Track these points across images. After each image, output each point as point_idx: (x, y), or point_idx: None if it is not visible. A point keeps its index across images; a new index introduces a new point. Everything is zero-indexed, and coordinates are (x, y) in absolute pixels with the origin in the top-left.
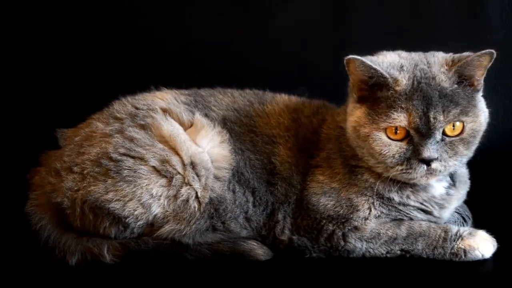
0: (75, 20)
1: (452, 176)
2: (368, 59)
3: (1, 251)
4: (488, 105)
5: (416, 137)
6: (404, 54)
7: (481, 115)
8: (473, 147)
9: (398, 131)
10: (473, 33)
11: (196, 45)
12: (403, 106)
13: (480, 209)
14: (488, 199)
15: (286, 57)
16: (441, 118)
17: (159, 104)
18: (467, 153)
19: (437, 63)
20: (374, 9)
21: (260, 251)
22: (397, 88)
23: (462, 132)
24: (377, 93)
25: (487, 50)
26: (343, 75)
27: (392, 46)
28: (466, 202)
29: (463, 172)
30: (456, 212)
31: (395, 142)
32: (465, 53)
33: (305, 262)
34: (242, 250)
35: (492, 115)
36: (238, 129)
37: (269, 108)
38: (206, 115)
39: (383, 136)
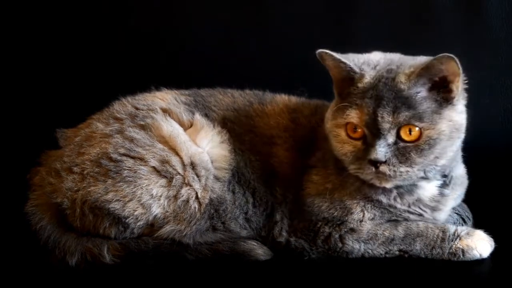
0: (75, 20)
1: (445, 176)
2: (339, 55)
3: (1, 251)
4: (488, 105)
5: (369, 137)
6: (391, 55)
7: (441, 123)
8: (431, 155)
9: (356, 130)
10: (473, 33)
11: (196, 45)
12: (357, 102)
13: (480, 209)
14: (488, 199)
15: (286, 57)
16: (389, 118)
17: (159, 105)
18: (421, 161)
19: (408, 65)
20: (374, 9)
21: (260, 251)
22: (359, 85)
23: (418, 138)
24: (346, 89)
25: (444, 54)
26: None
27: (392, 46)
28: (465, 202)
29: (460, 174)
30: (455, 212)
31: (352, 140)
32: (430, 58)
33: (305, 262)
34: (242, 250)
35: (492, 115)
36: (238, 129)
37: (269, 108)
38: (206, 115)
39: (342, 133)
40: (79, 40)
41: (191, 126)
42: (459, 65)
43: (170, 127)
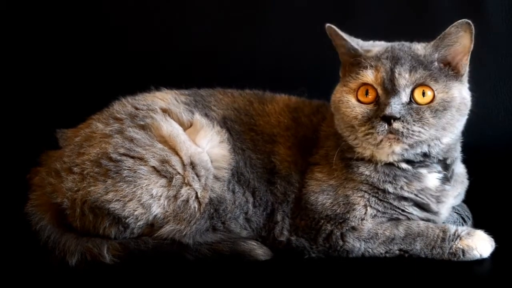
0: (75, 20)
1: (446, 168)
2: (345, 34)
3: (1, 251)
4: (489, 105)
5: (383, 96)
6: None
7: (454, 90)
8: (443, 120)
9: (368, 94)
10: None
11: (196, 45)
12: (372, 64)
13: (480, 209)
14: (488, 199)
15: (286, 58)
16: (406, 75)
17: (159, 105)
18: (434, 123)
19: (419, 44)
20: (374, 9)
21: (260, 251)
22: (368, 54)
23: (432, 101)
24: (351, 66)
25: (462, 20)
26: None
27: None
28: (465, 202)
29: (460, 172)
30: (455, 212)
31: (363, 104)
32: None
33: (305, 262)
34: (242, 250)
35: (492, 115)
36: (239, 128)
37: (269, 107)
38: (206, 115)
39: (352, 99)
40: (79, 40)
41: (191, 126)
42: (473, 37)
43: (169, 127)
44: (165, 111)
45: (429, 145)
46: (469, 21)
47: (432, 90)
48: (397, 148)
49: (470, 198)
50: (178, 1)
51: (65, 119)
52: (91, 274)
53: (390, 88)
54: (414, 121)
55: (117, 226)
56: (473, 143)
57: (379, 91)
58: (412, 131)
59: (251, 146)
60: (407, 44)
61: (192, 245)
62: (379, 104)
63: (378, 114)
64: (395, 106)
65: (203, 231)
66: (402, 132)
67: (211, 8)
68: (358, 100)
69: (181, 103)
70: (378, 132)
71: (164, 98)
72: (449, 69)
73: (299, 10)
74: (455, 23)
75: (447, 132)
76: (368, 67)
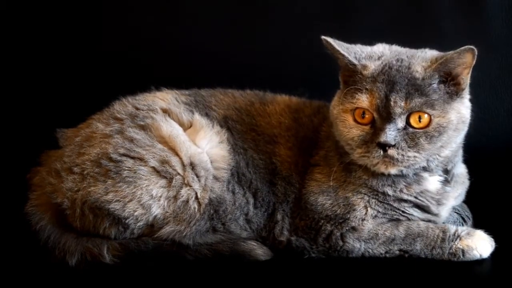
0: (75, 20)
1: (447, 172)
2: (342, 46)
3: (1, 251)
4: (489, 105)
5: (378, 121)
6: (396, 47)
7: (451, 113)
8: (439, 143)
9: (365, 115)
10: (473, 33)
11: (196, 46)
12: (367, 87)
13: (480, 209)
14: (488, 199)
15: (287, 58)
16: (402, 103)
17: (160, 105)
18: (430, 148)
19: (421, 57)
20: (374, 9)
21: (260, 251)
22: (364, 72)
23: (428, 125)
24: (351, 77)
25: (467, 47)
26: None
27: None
28: (465, 201)
29: (461, 173)
30: (455, 212)
31: (359, 125)
32: (450, 52)
33: (305, 262)
34: (242, 251)
35: (492, 115)
36: (240, 128)
37: (270, 108)
38: (206, 115)
39: (349, 118)
40: (79, 40)
41: (191, 126)
42: (475, 57)
43: (169, 128)
44: (165, 111)
45: (428, 160)
46: (473, 47)
47: (429, 114)
48: (393, 170)
49: (470, 198)
50: (179, 1)
51: (65, 119)
52: (91, 274)
53: (385, 116)
54: (409, 147)
55: (117, 226)
56: (473, 143)
57: (375, 115)
58: (408, 156)
59: (253, 147)
60: (406, 62)
61: (192, 245)
62: (375, 128)
63: (374, 140)
64: (390, 133)
65: (203, 232)
66: (397, 159)
67: (211, 8)
68: (355, 120)
69: (181, 103)
70: (374, 157)
71: (165, 98)
72: (450, 85)
73: (299, 10)
74: (459, 50)
75: (445, 149)
76: (363, 91)
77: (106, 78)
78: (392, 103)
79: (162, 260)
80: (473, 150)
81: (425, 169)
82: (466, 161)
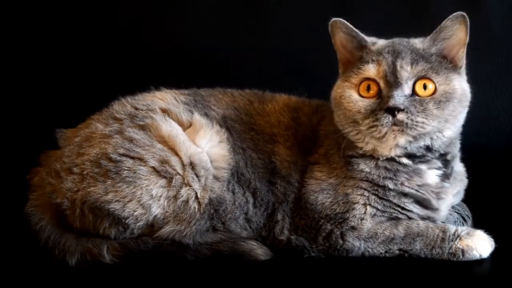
0: (75, 20)
1: (446, 166)
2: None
3: (1, 251)
4: (489, 105)
5: (385, 90)
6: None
7: (455, 82)
8: (446, 111)
9: (370, 89)
10: (473, 33)
11: (196, 45)
12: (374, 58)
13: (480, 209)
14: (488, 199)
15: (286, 58)
16: (408, 68)
17: (159, 105)
18: (438, 114)
19: (417, 38)
20: (375, 10)
21: (259, 251)
22: (372, 48)
23: (434, 93)
24: (352, 61)
25: (457, 12)
26: None
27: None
28: (465, 201)
29: (459, 170)
30: (456, 212)
31: (365, 99)
32: None
33: (305, 262)
34: (241, 250)
35: (492, 115)
36: (239, 127)
37: (269, 107)
38: (205, 115)
39: (354, 94)
40: (79, 40)
41: (190, 126)
42: (468, 30)
43: (169, 127)
44: (164, 111)
45: (431, 138)
46: (464, 13)
47: (434, 82)
48: (401, 140)
49: (470, 198)
50: (178, 1)
51: (64, 119)
52: (91, 274)
53: (392, 81)
54: (418, 112)
55: (117, 226)
56: (473, 143)
57: (381, 84)
58: (416, 122)
59: (252, 146)
60: (405, 39)
61: (192, 245)
62: (382, 98)
63: (382, 107)
64: (399, 98)
65: (203, 231)
66: (406, 123)
67: (211, 8)
68: (360, 95)
69: (180, 103)
70: (382, 124)
71: (164, 98)
72: (447, 62)
73: (299, 9)
74: (451, 16)
75: (450, 124)
76: (370, 62)
77: (106, 78)
78: (398, 67)
79: (162, 260)
80: (473, 150)
81: (428, 149)
82: (465, 160)
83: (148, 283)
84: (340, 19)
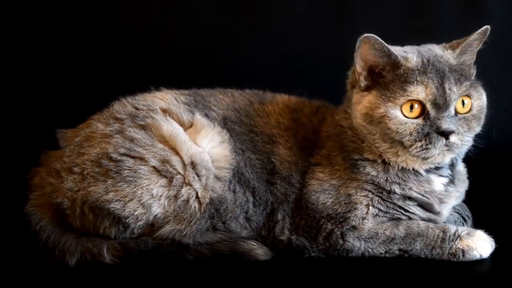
0: (75, 20)
1: (452, 171)
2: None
3: (1, 251)
4: (489, 106)
5: (433, 112)
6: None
7: (483, 95)
8: (481, 123)
9: (413, 108)
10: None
11: (196, 45)
12: (418, 79)
13: (480, 209)
14: (488, 199)
15: (286, 58)
16: (455, 89)
17: (159, 105)
18: (478, 129)
19: (437, 48)
20: (375, 10)
21: (260, 251)
22: (409, 65)
23: (471, 109)
24: (387, 76)
25: (486, 27)
26: (343, 75)
27: (392, 45)
28: (465, 201)
29: (462, 171)
30: (456, 212)
31: (411, 120)
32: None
33: (305, 262)
34: (242, 250)
35: (492, 115)
36: (238, 129)
37: (269, 108)
38: (206, 115)
39: (399, 114)
40: (79, 40)
41: (191, 126)
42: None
43: (170, 127)
44: (165, 111)
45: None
46: (488, 26)
47: (470, 98)
48: (447, 158)
49: (470, 198)
50: (178, 1)
51: (65, 119)
52: (91, 274)
53: (442, 103)
54: (465, 131)
55: (117, 226)
56: (473, 143)
57: (428, 106)
58: (465, 140)
59: (251, 147)
60: (433, 52)
61: (192, 245)
62: (429, 119)
63: (435, 129)
64: (450, 120)
65: (203, 231)
66: (457, 144)
67: (211, 8)
68: (404, 115)
69: (181, 103)
70: (436, 147)
71: (164, 98)
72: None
73: (299, 9)
74: (480, 30)
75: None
76: (415, 83)
77: (106, 78)
78: (447, 90)
79: (162, 260)
80: (472, 150)
81: (453, 161)
82: (465, 160)
83: (148, 283)
84: (372, 35)
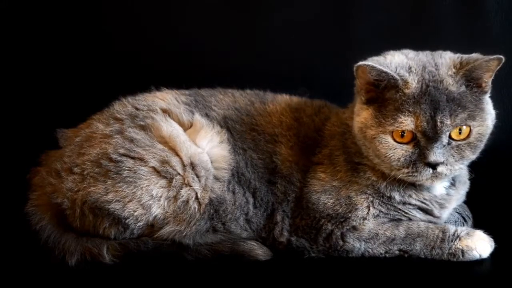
0: (75, 20)
1: (454, 178)
2: (377, 63)
3: (1, 251)
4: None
5: (423, 141)
6: (411, 54)
7: (488, 119)
8: (479, 150)
9: (404, 134)
10: (473, 33)
11: (196, 45)
12: (410, 109)
13: (480, 209)
14: (488, 199)
15: (287, 58)
16: (448, 122)
17: (160, 105)
18: (473, 157)
19: (444, 65)
20: (374, 10)
21: (259, 251)
22: (406, 91)
23: (468, 136)
24: (386, 94)
25: (495, 56)
26: (344, 75)
27: (392, 46)
28: (466, 202)
29: (463, 173)
30: (456, 212)
31: (401, 145)
32: (473, 55)
33: (305, 262)
34: (241, 251)
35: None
36: (240, 128)
37: (271, 107)
38: (206, 115)
39: (389, 139)
40: (79, 40)
41: (191, 126)
42: (501, 64)
43: (170, 128)
44: (165, 111)
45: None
46: (502, 57)
47: (469, 126)
48: (438, 183)
49: (470, 198)
50: (179, 1)
51: (65, 119)
52: (90, 274)
53: (431, 136)
54: (456, 160)
55: (117, 226)
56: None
57: (419, 135)
58: (455, 169)
59: (253, 146)
60: (436, 75)
61: (192, 245)
62: (419, 147)
63: (422, 160)
64: (439, 152)
65: (203, 232)
66: (445, 174)
67: (211, 8)
68: (395, 140)
69: (181, 103)
70: (422, 176)
71: (165, 98)
72: (474, 88)
73: (299, 10)
74: (487, 59)
75: (478, 154)
76: (406, 113)
77: (106, 78)
78: (439, 123)
79: (161, 260)
80: None
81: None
82: None
83: (148, 283)
84: (369, 63)
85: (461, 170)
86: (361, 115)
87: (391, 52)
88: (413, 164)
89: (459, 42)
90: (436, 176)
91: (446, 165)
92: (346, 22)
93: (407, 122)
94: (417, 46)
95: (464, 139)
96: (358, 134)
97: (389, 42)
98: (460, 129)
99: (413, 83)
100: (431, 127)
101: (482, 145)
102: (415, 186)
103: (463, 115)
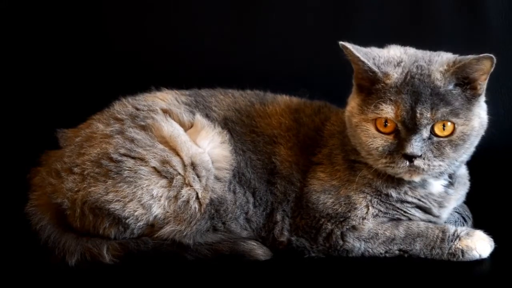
0: (75, 20)
1: (450, 176)
2: (361, 51)
3: (1, 251)
4: (490, 105)
5: (403, 132)
6: (411, 50)
7: (474, 120)
8: (462, 150)
9: (387, 124)
10: (473, 33)
11: (196, 45)
12: (392, 98)
13: (480, 209)
14: (488, 199)
15: (287, 58)
16: (428, 114)
17: (160, 105)
18: (455, 156)
19: (438, 62)
20: (374, 10)
21: (260, 251)
22: (387, 81)
23: (452, 133)
24: (373, 85)
25: (486, 54)
26: (344, 76)
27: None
28: (466, 202)
29: (463, 173)
30: (456, 212)
31: (382, 135)
32: (468, 56)
33: (305, 262)
34: (242, 250)
35: (493, 115)
36: (239, 129)
37: (270, 108)
38: (206, 116)
39: (371, 128)
40: (80, 40)
41: (191, 126)
42: (494, 64)
43: (170, 128)
44: (165, 111)
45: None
46: (492, 55)
47: (453, 123)
48: (417, 178)
49: (470, 198)
50: (179, 1)
51: (65, 119)
52: (90, 274)
53: (410, 127)
54: (434, 156)
55: (117, 226)
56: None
57: (399, 126)
58: (433, 166)
59: (252, 147)
60: (425, 69)
61: (192, 245)
62: (399, 138)
63: (400, 151)
64: (416, 144)
65: (203, 231)
66: (423, 168)
67: (211, 8)
68: (377, 130)
69: (181, 104)
70: (399, 167)
71: (165, 98)
72: (466, 89)
73: (300, 10)
74: (477, 56)
75: (465, 155)
76: (388, 102)
77: (106, 78)
78: (418, 114)
79: (162, 260)
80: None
81: (441, 173)
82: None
83: (148, 283)
84: (345, 44)
85: (442, 168)
86: (351, 104)
87: (393, 46)
88: (390, 155)
89: (459, 42)
90: (414, 170)
91: (424, 159)
92: (346, 22)
93: (387, 110)
94: (417, 46)
95: (446, 136)
96: (346, 122)
97: (389, 42)
98: (444, 125)
99: (395, 74)
100: (410, 117)
101: (466, 146)
102: (409, 183)
103: (445, 110)
